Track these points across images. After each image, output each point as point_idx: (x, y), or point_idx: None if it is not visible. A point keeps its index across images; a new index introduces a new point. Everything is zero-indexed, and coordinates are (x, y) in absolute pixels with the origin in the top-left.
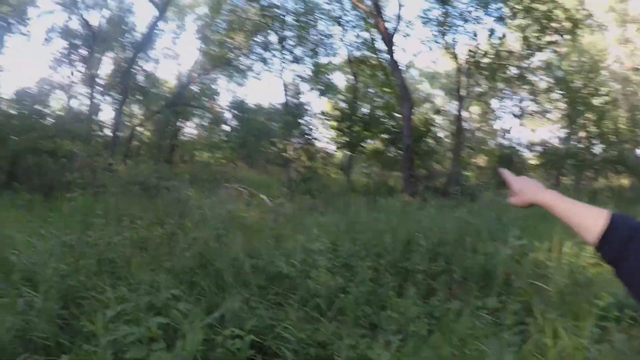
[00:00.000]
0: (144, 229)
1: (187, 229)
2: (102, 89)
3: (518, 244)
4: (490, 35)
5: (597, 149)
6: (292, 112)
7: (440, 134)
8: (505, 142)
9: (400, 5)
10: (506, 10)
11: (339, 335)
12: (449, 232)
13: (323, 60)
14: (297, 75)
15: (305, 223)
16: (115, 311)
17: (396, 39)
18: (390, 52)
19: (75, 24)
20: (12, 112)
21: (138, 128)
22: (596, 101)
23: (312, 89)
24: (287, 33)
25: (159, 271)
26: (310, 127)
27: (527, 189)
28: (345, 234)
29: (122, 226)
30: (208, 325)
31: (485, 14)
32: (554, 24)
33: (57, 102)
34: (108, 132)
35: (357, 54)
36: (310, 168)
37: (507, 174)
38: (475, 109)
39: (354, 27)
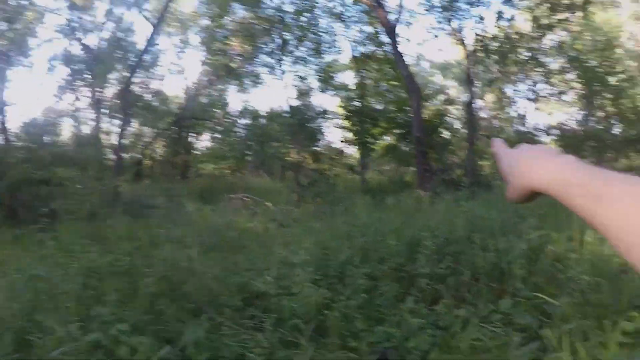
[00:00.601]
0: (103, 256)
1: (157, 250)
2: (107, 112)
3: (534, 236)
4: (498, 18)
5: (617, 129)
6: (298, 115)
7: (458, 126)
8: (522, 128)
9: None
10: None
11: None
12: (458, 229)
13: (328, 59)
14: (300, 77)
15: (302, 231)
16: (56, 354)
17: (400, 30)
18: (393, 43)
19: (76, 49)
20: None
21: (150, 147)
22: (612, 80)
23: (319, 89)
24: (289, 35)
25: (113, 303)
26: (319, 128)
27: (523, 167)
28: (344, 239)
29: (92, 253)
30: None
31: None
32: (564, 1)
33: (67, 130)
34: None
35: (362, 49)
36: (317, 171)
37: (498, 145)
38: (490, 97)
39: (356, 22)
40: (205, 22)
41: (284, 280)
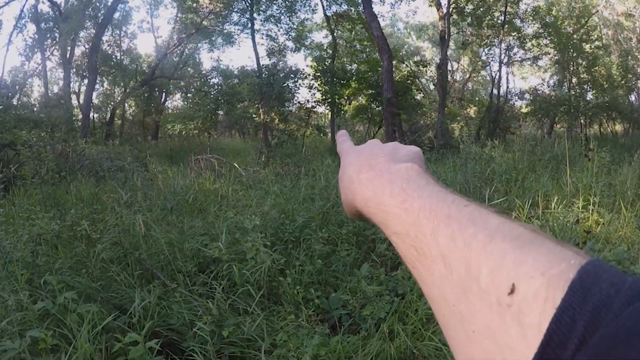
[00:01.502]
0: (58, 222)
1: (114, 214)
2: (77, 71)
3: (497, 201)
4: None
5: (590, 95)
6: (267, 74)
7: (431, 87)
8: (495, 92)
9: None
10: None
11: (272, 329)
12: None
13: (301, 17)
14: (269, 36)
15: (263, 193)
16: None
17: None
18: (365, 2)
19: (45, 7)
20: None
21: (121, 107)
22: (587, 47)
23: (290, 49)
24: None
25: (64, 270)
26: (289, 88)
27: (347, 176)
28: (303, 202)
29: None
30: (110, 330)
31: None
32: None
33: (36, 91)
34: (90, 115)
35: (336, 8)
36: (286, 131)
37: (341, 139)
38: (464, 60)
39: None
40: None
41: (238, 246)
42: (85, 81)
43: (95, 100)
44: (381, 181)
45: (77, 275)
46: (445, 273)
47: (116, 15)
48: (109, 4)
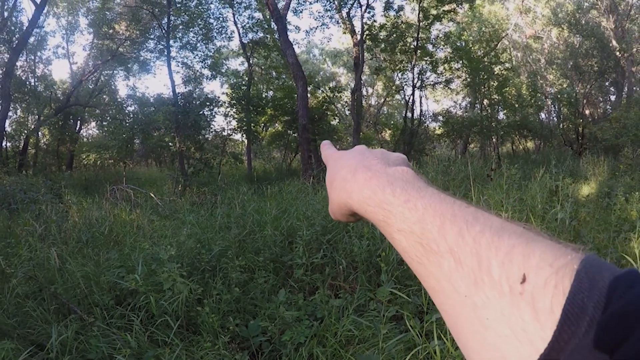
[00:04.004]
0: None
1: (28, 248)
2: None
3: None
4: (386, 8)
5: (501, 115)
6: (183, 102)
7: (347, 112)
8: (409, 115)
9: None
10: None
11: (192, 359)
12: None
13: (217, 44)
14: (184, 63)
15: (179, 223)
16: None
17: (288, 17)
18: (280, 30)
19: None
20: None
21: (34, 135)
22: (497, 69)
23: (206, 77)
24: (178, 20)
25: None
26: (205, 116)
27: (340, 178)
28: (219, 231)
29: None
30: None
31: None
32: None
33: None
34: (3, 143)
35: (252, 36)
36: (201, 160)
37: (325, 148)
38: (379, 85)
39: (246, 7)
40: (94, 4)
41: (154, 277)
42: None
43: (8, 129)
44: (380, 181)
45: None
46: (455, 267)
47: (31, 39)
48: (24, 27)
